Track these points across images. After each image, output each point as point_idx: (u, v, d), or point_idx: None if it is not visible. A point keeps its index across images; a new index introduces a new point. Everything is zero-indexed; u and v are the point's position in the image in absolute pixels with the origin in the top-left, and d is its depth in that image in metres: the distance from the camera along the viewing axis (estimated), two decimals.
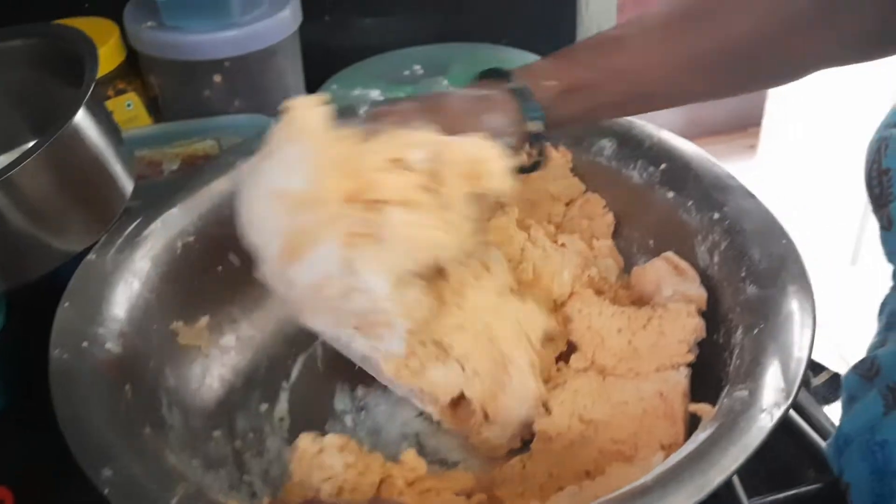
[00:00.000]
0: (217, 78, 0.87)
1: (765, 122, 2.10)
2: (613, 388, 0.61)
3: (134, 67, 0.90)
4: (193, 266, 0.68)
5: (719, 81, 0.64)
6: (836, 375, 0.74)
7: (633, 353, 0.62)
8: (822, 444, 0.62)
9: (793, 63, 0.62)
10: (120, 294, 0.63)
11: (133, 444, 0.53)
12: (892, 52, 0.60)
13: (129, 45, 0.88)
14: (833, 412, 0.70)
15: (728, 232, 0.63)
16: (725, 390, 0.53)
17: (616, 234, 0.74)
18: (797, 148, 1.98)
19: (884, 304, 0.53)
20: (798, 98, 1.97)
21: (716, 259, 0.63)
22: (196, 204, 0.70)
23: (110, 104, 0.87)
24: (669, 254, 0.66)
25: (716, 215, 0.65)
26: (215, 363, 0.68)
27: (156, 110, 0.91)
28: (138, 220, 0.67)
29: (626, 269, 0.71)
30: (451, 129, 0.57)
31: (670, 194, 0.69)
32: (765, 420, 0.48)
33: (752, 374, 0.51)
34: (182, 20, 0.85)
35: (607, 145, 0.74)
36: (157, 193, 0.70)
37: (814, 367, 0.75)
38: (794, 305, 0.55)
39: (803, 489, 0.59)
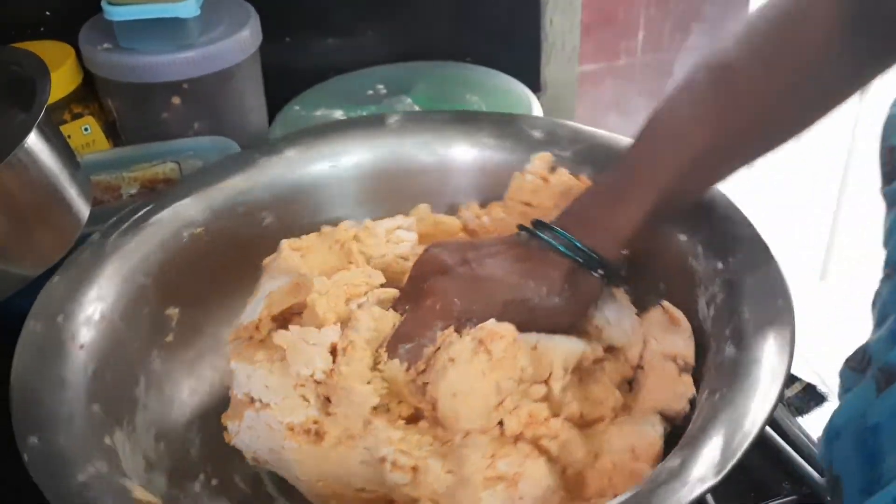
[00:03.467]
0: (175, 100, 0.85)
1: None
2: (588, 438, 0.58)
3: (91, 91, 0.88)
4: (198, 257, 0.69)
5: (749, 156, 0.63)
6: (809, 386, 0.74)
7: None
8: (796, 455, 0.62)
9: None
10: (112, 275, 0.64)
11: (74, 419, 0.55)
12: None
13: (86, 68, 0.87)
14: (807, 423, 0.69)
15: (727, 285, 0.59)
16: (667, 457, 0.50)
17: (631, 274, 0.68)
18: (764, 163, 1.99)
19: (876, 296, 0.52)
20: None
21: (711, 312, 0.59)
22: (210, 197, 0.71)
23: (67, 128, 0.85)
24: (666, 303, 0.63)
25: (720, 265, 0.60)
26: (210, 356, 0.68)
27: (114, 134, 0.89)
28: (149, 207, 0.69)
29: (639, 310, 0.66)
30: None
31: (683, 237, 0.64)
32: (683, 496, 0.45)
33: (693, 442, 0.49)
34: (138, 42, 0.83)
35: None
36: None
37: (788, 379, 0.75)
38: (763, 372, 0.52)
39: (777, 502, 0.59)
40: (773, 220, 2.04)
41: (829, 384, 0.73)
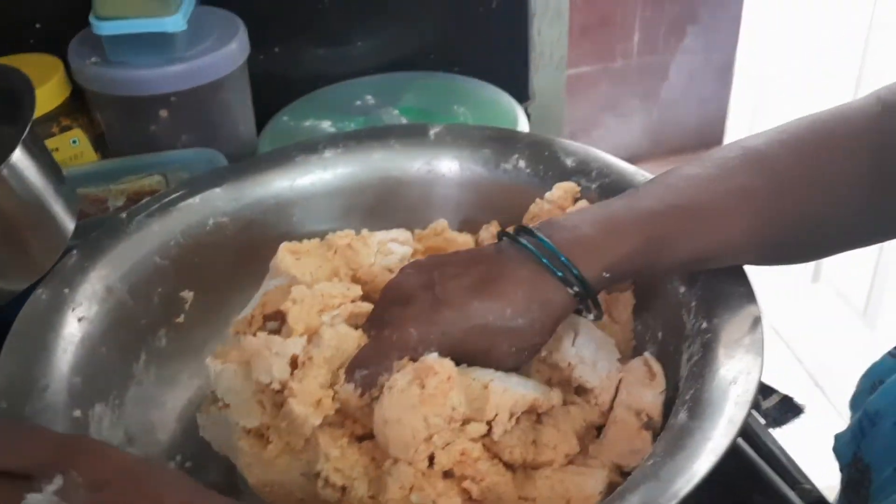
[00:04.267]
0: (163, 113, 0.86)
1: (726, 140, 2.12)
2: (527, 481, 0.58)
3: (79, 104, 0.89)
4: (220, 245, 0.72)
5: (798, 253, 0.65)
6: (786, 398, 0.74)
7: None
8: (768, 469, 0.62)
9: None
10: (129, 253, 0.68)
11: (49, 389, 0.57)
12: None
13: (75, 81, 0.88)
14: (783, 436, 0.69)
15: (704, 347, 0.57)
16: None
17: (637, 317, 0.69)
18: None
19: None
20: (757, 116, 1.98)
21: (685, 372, 0.58)
22: (241, 188, 0.73)
23: (55, 141, 0.86)
24: (647, 355, 0.63)
25: (704, 324, 0.59)
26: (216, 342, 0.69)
27: (102, 146, 0.90)
28: (180, 192, 0.72)
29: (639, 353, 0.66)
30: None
31: (682, 289, 0.63)
32: None
33: None
34: (126, 55, 0.84)
35: None
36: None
37: (764, 391, 0.75)
38: (699, 449, 0.50)
39: None
40: None
41: (822, 385, 0.73)
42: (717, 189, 0.60)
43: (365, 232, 0.72)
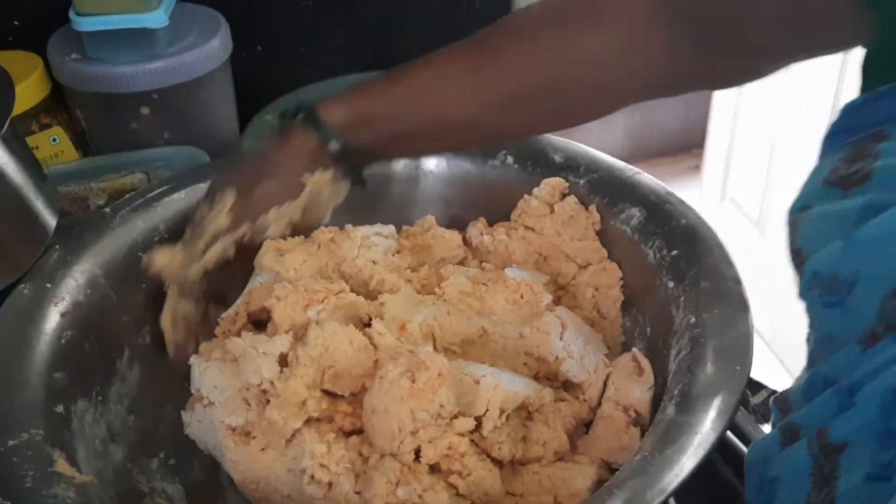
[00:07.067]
0: (145, 110, 0.85)
1: (708, 143, 2.12)
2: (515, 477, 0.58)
3: (59, 101, 0.88)
4: None
5: (527, 120, 0.64)
6: (774, 393, 0.74)
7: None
8: None
9: (604, 98, 0.63)
10: (112, 249, 0.67)
11: (29, 385, 0.57)
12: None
13: (54, 78, 0.87)
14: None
15: (694, 342, 0.57)
16: None
17: (626, 313, 0.69)
18: (741, 168, 2.00)
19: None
20: (738, 118, 1.99)
21: (674, 367, 0.57)
22: None
23: (35, 139, 0.85)
24: (635, 351, 0.62)
25: (693, 319, 0.59)
26: None
27: (83, 144, 0.89)
28: (165, 188, 0.72)
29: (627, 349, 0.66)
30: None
31: (671, 284, 0.63)
32: None
33: (597, 501, 0.48)
34: (107, 52, 0.83)
35: (636, 214, 0.69)
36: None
37: (752, 386, 0.75)
38: (687, 443, 0.50)
39: None
40: (749, 223, 2.06)
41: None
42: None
43: (348, 226, 0.71)
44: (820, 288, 0.42)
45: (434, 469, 0.55)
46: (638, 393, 0.60)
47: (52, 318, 0.62)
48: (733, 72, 0.60)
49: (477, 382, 0.57)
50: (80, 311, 0.63)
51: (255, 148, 0.69)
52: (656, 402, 0.59)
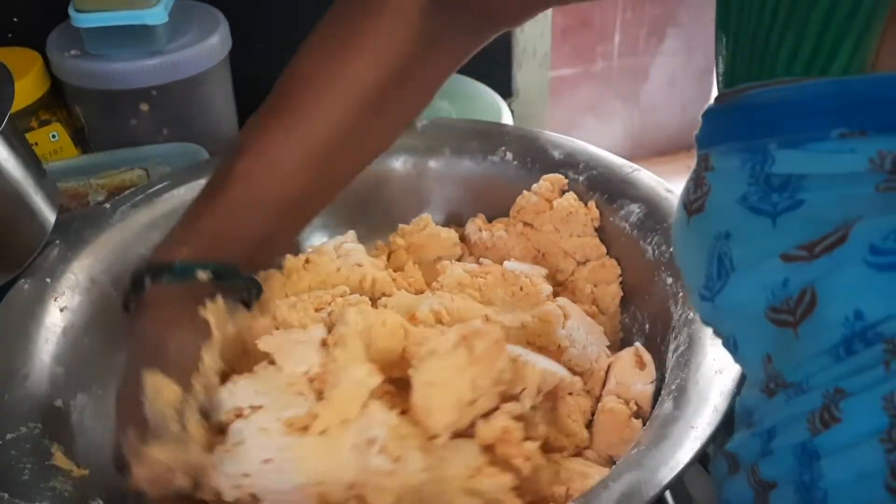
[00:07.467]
0: (144, 107, 0.85)
1: None
2: None
3: (58, 98, 0.88)
4: None
5: (367, 147, 0.62)
6: None
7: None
8: None
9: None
10: (113, 244, 0.67)
11: (29, 378, 0.57)
12: None
13: (54, 75, 0.87)
14: None
15: (691, 337, 0.57)
16: None
17: (624, 309, 0.69)
18: None
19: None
20: None
21: (672, 362, 0.58)
22: None
23: (34, 135, 0.85)
24: (638, 345, 0.63)
25: (691, 315, 0.59)
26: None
27: (82, 141, 0.89)
28: (165, 184, 0.71)
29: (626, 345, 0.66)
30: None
31: (669, 280, 0.63)
32: None
33: (594, 496, 0.48)
34: (106, 48, 0.83)
35: (635, 211, 0.69)
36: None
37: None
38: (683, 437, 0.50)
39: None
40: None
41: None
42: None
43: (317, 244, 0.71)
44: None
45: (490, 451, 0.54)
46: (640, 386, 0.60)
47: (52, 313, 0.62)
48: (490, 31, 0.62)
49: (515, 360, 0.56)
50: (80, 306, 0.63)
51: (131, 330, 0.56)
52: (657, 397, 0.60)
